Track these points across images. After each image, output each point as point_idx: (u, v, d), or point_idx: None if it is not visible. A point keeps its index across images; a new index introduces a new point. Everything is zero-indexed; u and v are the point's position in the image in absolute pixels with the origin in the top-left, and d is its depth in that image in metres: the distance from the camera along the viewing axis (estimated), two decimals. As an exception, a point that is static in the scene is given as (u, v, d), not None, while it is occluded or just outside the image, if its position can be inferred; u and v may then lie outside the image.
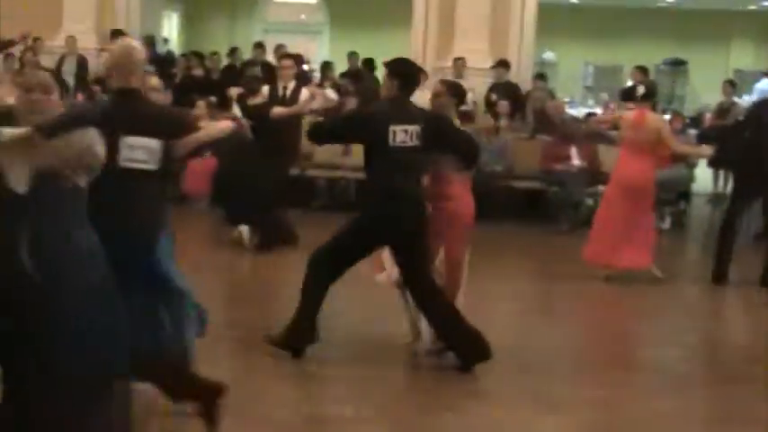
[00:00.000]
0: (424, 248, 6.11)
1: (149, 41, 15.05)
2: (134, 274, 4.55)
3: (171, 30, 20.93)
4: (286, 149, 9.66)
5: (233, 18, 22.94)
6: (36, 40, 14.02)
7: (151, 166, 4.74)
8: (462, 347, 6.11)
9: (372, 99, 9.90)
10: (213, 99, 12.79)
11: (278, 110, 9.45)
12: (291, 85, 9.82)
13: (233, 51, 15.94)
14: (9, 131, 3.78)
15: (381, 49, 18.38)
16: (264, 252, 9.44)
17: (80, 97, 13.17)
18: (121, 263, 4.22)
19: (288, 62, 10.15)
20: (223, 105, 12.59)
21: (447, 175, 6.27)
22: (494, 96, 13.51)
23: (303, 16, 24.95)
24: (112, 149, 4.47)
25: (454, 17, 14.29)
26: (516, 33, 14.52)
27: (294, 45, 16.89)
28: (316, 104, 9.96)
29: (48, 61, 14.22)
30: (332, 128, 6.52)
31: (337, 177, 12.71)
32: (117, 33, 14.52)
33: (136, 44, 5.09)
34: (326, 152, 11.92)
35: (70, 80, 14.06)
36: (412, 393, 5.97)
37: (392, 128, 5.97)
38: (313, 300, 6.14)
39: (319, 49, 23.44)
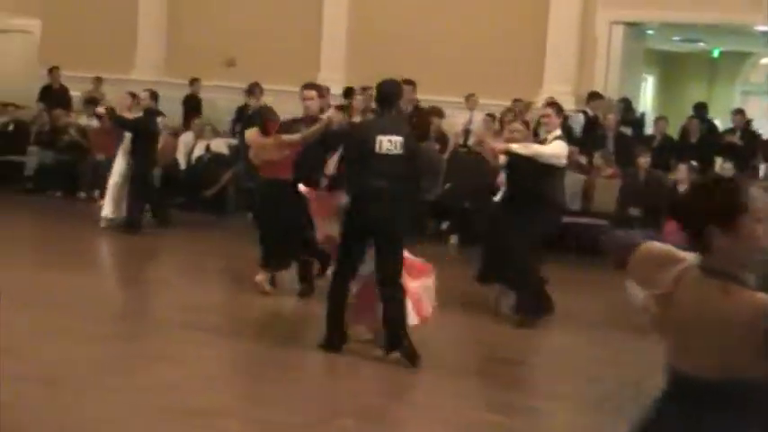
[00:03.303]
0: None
1: (626, 105, 14.88)
2: None
3: (646, 92, 20.63)
4: (545, 203, 8.62)
5: (711, 80, 22.14)
6: (516, 101, 14.33)
7: None
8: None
9: None
10: (693, 163, 12.25)
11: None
12: (554, 134, 8.78)
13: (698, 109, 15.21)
14: None
15: None
16: (524, 324, 8.43)
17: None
18: None
19: (549, 111, 9.09)
20: (703, 170, 12.05)
21: None
22: None
23: (787, 78, 23.50)
24: None
25: None
26: None
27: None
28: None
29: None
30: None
31: None
32: (594, 96, 14.54)
33: None
34: None
35: (547, 141, 14.19)
36: None
37: (379, 138, 6.97)
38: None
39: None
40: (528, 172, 8.42)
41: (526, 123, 9.94)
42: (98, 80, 16.83)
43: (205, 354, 7.16)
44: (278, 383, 6.59)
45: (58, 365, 6.41)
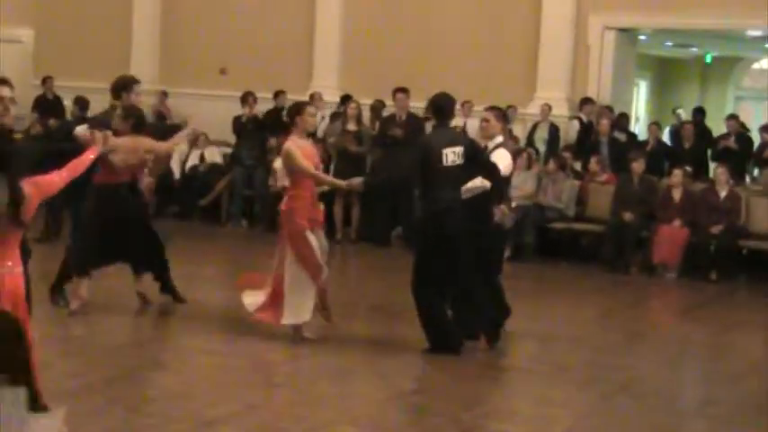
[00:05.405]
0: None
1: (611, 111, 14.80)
2: None
3: (639, 98, 20.71)
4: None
5: (704, 85, 22.22)
6: (510, 107, 14.31)
7: None
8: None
9: None
10: (688, 168, 12.33)
11: None
12: (495, 141, 8.01)
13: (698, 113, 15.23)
14: None
15: None
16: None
17: (551, 166, 13.10)
18: None
19: (488, 115, 8.09)
20: (697, 175, 12.14)
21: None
22: None
23: (781, 84, 23.55)
24: None
25: None
26: None
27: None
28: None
29: (520, 129, 14.53)
30: None
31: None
32: (586, 102, 14.58)
33: None
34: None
35: (541, 147, 14.21)
36: None
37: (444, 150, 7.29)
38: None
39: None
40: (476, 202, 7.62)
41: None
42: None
43: (207, 362, 7.20)
44: (281, 388, 6.63)
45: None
